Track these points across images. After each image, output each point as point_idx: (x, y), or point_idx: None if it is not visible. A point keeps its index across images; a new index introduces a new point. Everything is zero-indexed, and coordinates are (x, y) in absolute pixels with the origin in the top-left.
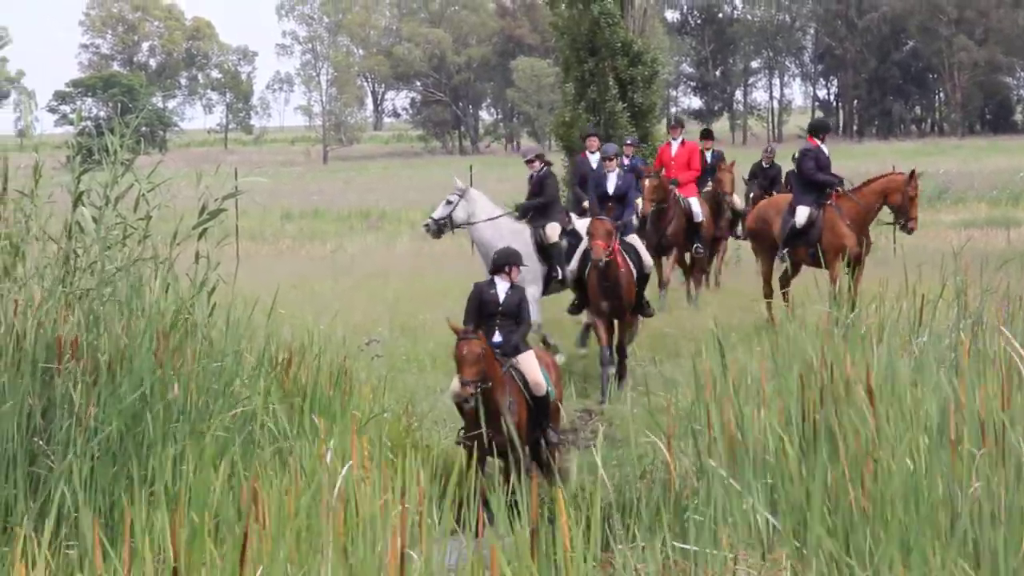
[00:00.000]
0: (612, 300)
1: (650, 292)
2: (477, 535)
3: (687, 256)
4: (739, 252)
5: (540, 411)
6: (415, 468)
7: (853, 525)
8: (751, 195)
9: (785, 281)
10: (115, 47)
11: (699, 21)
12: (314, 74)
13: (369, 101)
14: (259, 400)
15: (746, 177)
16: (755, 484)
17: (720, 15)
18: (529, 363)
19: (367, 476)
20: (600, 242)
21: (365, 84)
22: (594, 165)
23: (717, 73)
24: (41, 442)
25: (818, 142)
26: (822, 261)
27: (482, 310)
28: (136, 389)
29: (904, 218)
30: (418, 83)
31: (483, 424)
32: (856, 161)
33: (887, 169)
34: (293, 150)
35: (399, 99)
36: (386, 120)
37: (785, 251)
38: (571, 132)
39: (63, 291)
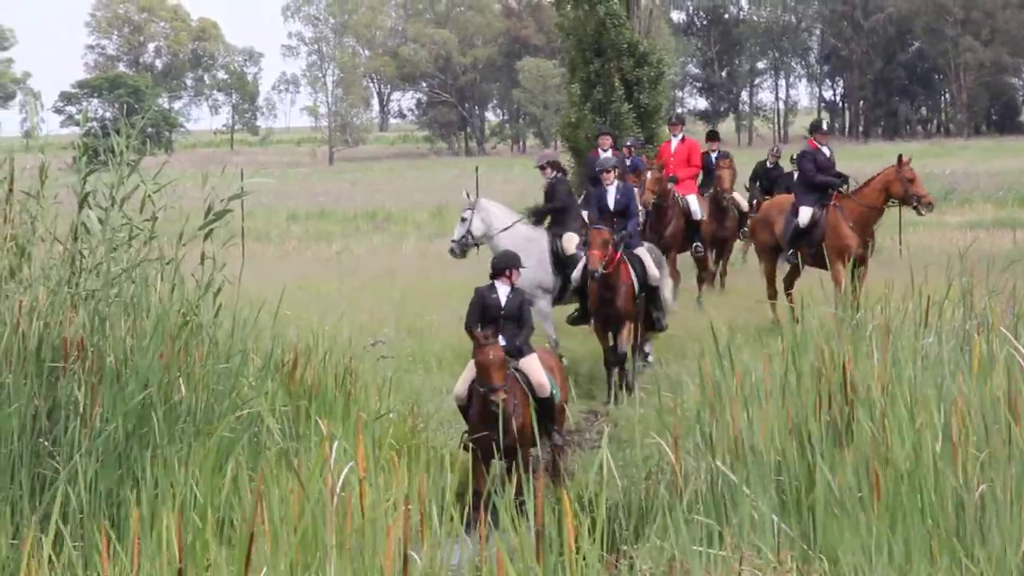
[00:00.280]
0: (609, 310)
1: None
2: (482, 536)
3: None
4: (746, 254)
5: (544, 413)
6: (420, 469)
7: (859, 526)
8: (753, 201)
9: (789, 283)
10: (121, 48)
11: (705, 22)
12: (320, 75)
13: (375, 102)
14: (265, 401)
15: (748, 180)
16: (761, 485)
17: (726, 16)
18: (532, 365)
19: (372, 477)
20: (597, 252)
21: (371, 85)
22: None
23: (723, 74)
24: (47, 443)
25: (817, 143)
26: (824, 263)
27: (484, 314)
28: (142, 390)
29: (915, 201)
30: (424, 84)
31: (488, 425)
32: (862, 162)
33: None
34: (299, 151)
35: (405, 100)
36: (392, 121)
37: (791, 252)
38: (577, 133)
39: (69, 292)
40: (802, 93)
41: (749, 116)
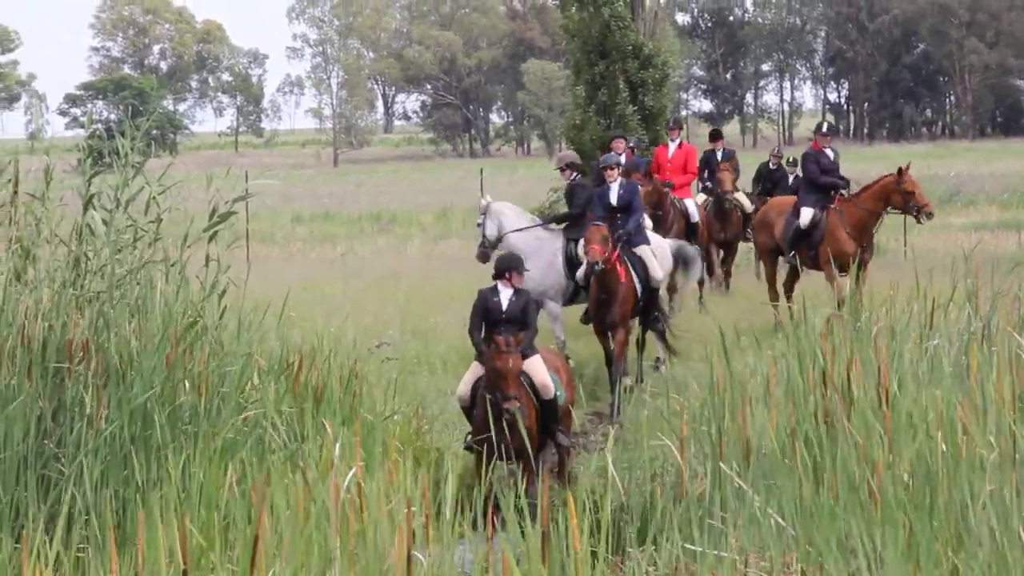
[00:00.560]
0: (606, 313)
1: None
2: (488, 538)
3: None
4: (749, 255)
5: (549, 414)
6: (425, 471)
7: (864, 528)
8: (754, 205)
9: (789, 286)
10: (126, 50)
11: (710, 24)
12: (324, 77)
13: (379, 104)
14: (269, 403)
15: (752, 182)
16: (766, 487)
17: (731, 18)
18: (536, 366)
19: (376, 479)
20: (596, 246)
21: (375, 87)
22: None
23: (728, 76)
24: (52, 444)
25: (820, 145)
26: (820, 266)
27: (486, 317)
28: (146, 392)
29: (916, 209)
30: (428, 86)
31: (493, 428)
32: (867, 164)
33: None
34: (304, 153)
35: (409, 102)
36: (396, 123)
37: (791, 253)
38: (582, 135)
39: (74, 294)
40: (807, 95)
41: (754, 118)
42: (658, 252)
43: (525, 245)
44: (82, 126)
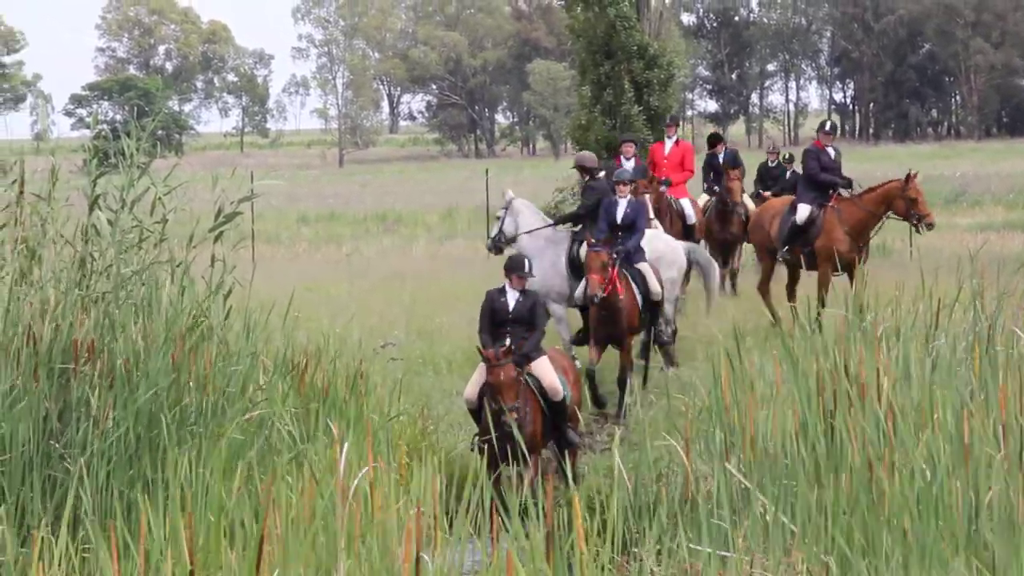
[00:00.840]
0: (610, 328)
1: None
2: (493, 539)
3: None
4: (754, 255)
5: (557, 415)
6: (430, 471)
7: (869, 529)
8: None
9: (791, 290)
10: (131, 50)
11: (715, 24)
12: (330, 77)
13: (385, 104)
14: (275, 403)
15: (754, 181)
16: (771, 487)
17: (736, 18)
18: (544, 369)
19: (382, 479)
20: (596, 276)
21: (381, 87)
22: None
23: (733, 76)
24: (57, 445)
25: (823, 143)
26: (813, 264)
27: (494, 318)
28: (152, 392)
29: (917, 219)
30: (434, 86)
31: (495, 433)
32: (872, 164)
33: (903, 172)
34: (309, 153)
35: (415, 102)
36: (402, 123)
37: (786, 249)
38: (587, 135)
39: (79, 294)
40: (812, 95)
41: (759, 118)
42: (668, 256)
43: (532, 247)
44: (88, 126)
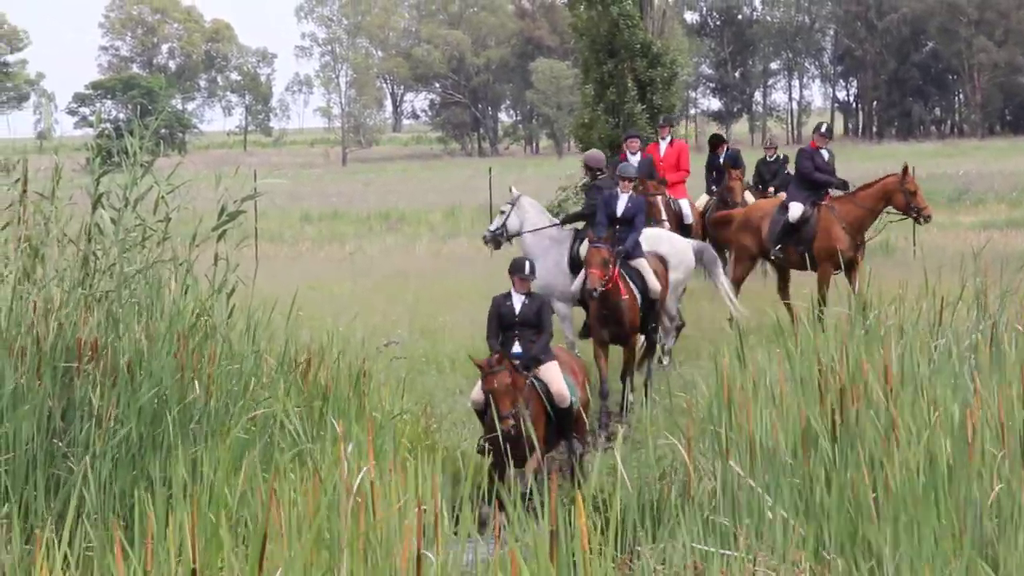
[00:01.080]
0: (612, 327)
1: None
2: (496, 537)
3: None
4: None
5: (564, 422)
6: (433, 470)
7: (872, 527)
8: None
9: (783, 291)
10: (134, 49)
11: (718, 22)
12: (333, 76)
13: (388, 103)
14: (278, 402)
15: (752, 176)
16: (774, 485)
17: (739, 16)
18: (552, 374)
19: (385, 478)
20: (596, 271)
21: (384, 86)
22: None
23: (736, 74)
24: (61, 443)
25: (817, 145)
26: (812, 263)
27: (501, 322)
28: (155, 391)
29: (916, 212)
30: (437, 85)
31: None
32: (875, 163)
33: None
34: (312, 152)
35: (418, 101)
36: (405, 122)
37: (778, 248)
38: (590, 133)
39: (82, 293)
40: (816, 93)
41: (762, 117)
42: (673, 257)
43: (536, 246)
44: (91, 125)
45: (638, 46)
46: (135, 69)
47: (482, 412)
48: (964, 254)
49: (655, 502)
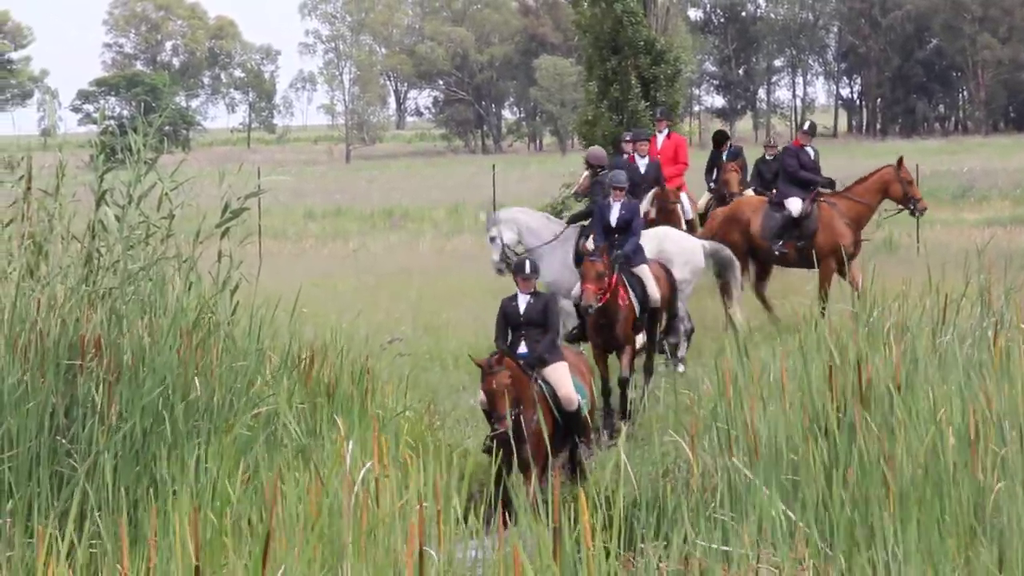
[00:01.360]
0: (607, 336)
1: None
2: (499, 535)
3: None
4: None
5: (571, 426)
6: (436, 467)
7: (876, 524)
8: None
9: (760, 287)
10: (138, 46)
11: (722, 19)
12: (337, 73)
13: (392, 100)
14: (282, 399)
15: (751, 177)
16: (778, 482)
17: (743, 13)
18: (560, 376)
19: (388, 475)
20: (590, 286)
21: (388, 83)
22: (642, 169)
23: (740, 72)
24: (64, 441)
25: (801, 143)
26: (813, 260)
27: (507, 323)
28: (159, 388)
29: (912, 204)
30: (440, 82)
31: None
32: (879, 160)
33: (910, 167)
34: (316, 149)
35: (421, 98)
36: (408, 119)
37: (780, 243)
38: (594, 131)
39: (86, 290)
40: (819, 91)
41: (766, 114)
42: (678, 257)
43: (542, 241)
44: (95, 122)
45: (642, 43)
46: (139, 66)
47: (489, 412)
48: (968, 251)
49: (659, 499)
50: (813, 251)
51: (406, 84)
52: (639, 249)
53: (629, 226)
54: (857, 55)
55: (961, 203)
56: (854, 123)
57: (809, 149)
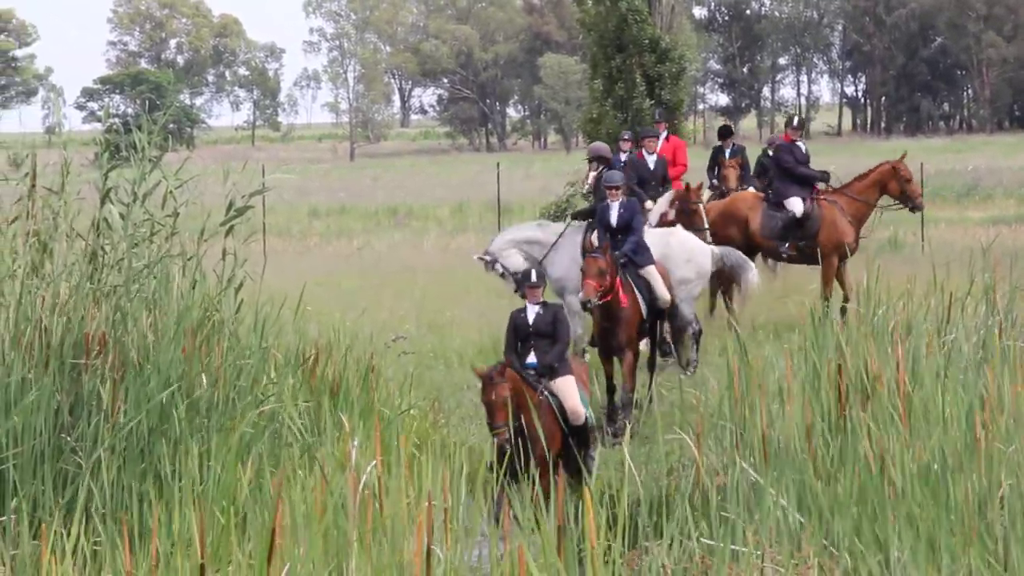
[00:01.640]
0: (610, 340)
1: None
2: (503, 533)
3: None
4: None
5: (577, 438)
6: (441, 466)
7: (880, 523)
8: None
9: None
10: (143, 44)
11: (727, 18)
12: (341, 71)
13: (396, 98)
14: (286, 397)
15: (754, 174)
16: (782, 481)
17: (747, 12)
18: (567, 389)
19: (393, 474)
20: (592, 281)
21: (392, 81)
22: (651, 166)
23: (744, 70)
24: (69, 438)
25: (791, 138)
26: (815, 258)
27: (517, 334)
28: (163, 386)
29: (912, 201)
30: (445, 80)
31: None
32: (883, 158)
33: (914, 166)
34: (320, 147)
35: (426, 96)
36: (413, 117)
37: (786, 245)
38: (598, 128)
39: (91, 288)
40: (824, 89)
41: (771, 112)
42: (681, 255)
43: (550, 242)
44: (99, 120)
45: (646, 41)
46: (143, 64)
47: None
48: (973, 250)
49: (663, 497)
50: (816, 249)
51: (410, 82)
52: (645, 249)
53: (629, 226)
54: (861, 53)
55: (966, 201)
56: (858, 121)
57: (800, 144)
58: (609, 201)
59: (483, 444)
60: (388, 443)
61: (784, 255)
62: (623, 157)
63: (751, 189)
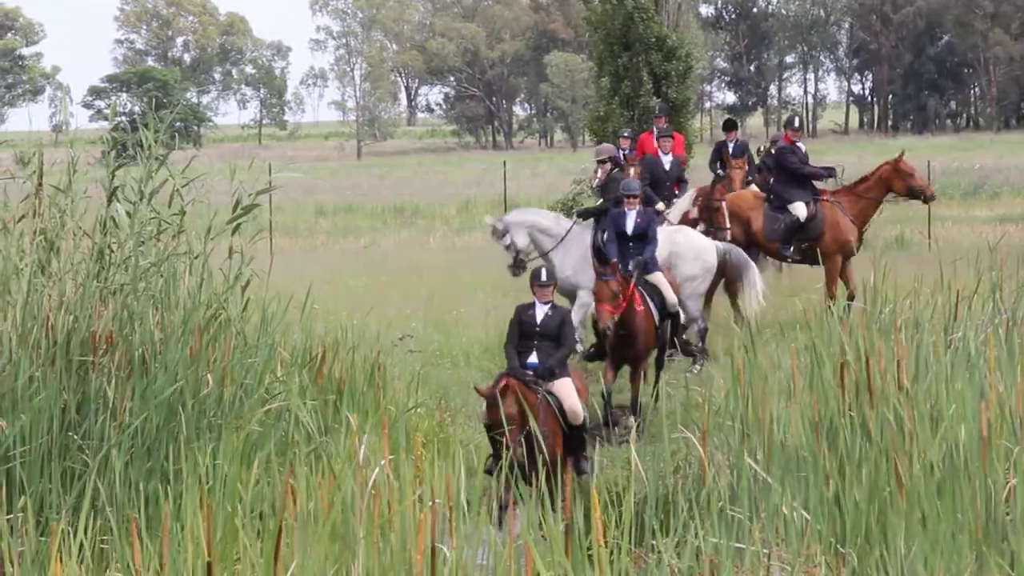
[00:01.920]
0: (628, 349)
1: None
2: (510, 531)
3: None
4: None
5: (575, 439)
6: (447, 463)
7: (887, 521)
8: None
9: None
10: (149, 42)
11: (733, 16)
12: (348, 69)
13: (403, 96)
14: (293, 395)
15: (755, 174)
16: (789, 479)
17: (754, 10)
18: (566, 390)
19: (400, 471)
20: (607, 306)
21: (399, 79)
22: (667, 166)
23: (751, 68)
24: (76, 436)
25: (791, 139)
26: (818, 257)
27: (522, 331)
28: (170, 384)
29: (921, 195)
30: (451, 78)
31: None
32: (890, 157)
33: (921, 165)
34: (327, 145)
35: (432, 94)
36: (419, 115)
37: (791, 249)
38: (605, 127)
39: (97, 286)
40: (831, 87)
41: (777, 110)
42: (687, 252)
43: (558, 240)
44: (106, 118)
45: (653, 39)
46: (150, 62)
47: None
48: (980, 248)
49: (669, 496)
50: (819, 250)
51: (417, 80)
52: (653, 259)
53: (645, 234)
54: (868, 51)
55: (973, 200)
56: (865, 120)
57: (800, 144)
58: (626, 208)
59: (488, 444)
60: (395, 441)
61: (789, 259)
62: (622, 155)
63: (752, 187)
